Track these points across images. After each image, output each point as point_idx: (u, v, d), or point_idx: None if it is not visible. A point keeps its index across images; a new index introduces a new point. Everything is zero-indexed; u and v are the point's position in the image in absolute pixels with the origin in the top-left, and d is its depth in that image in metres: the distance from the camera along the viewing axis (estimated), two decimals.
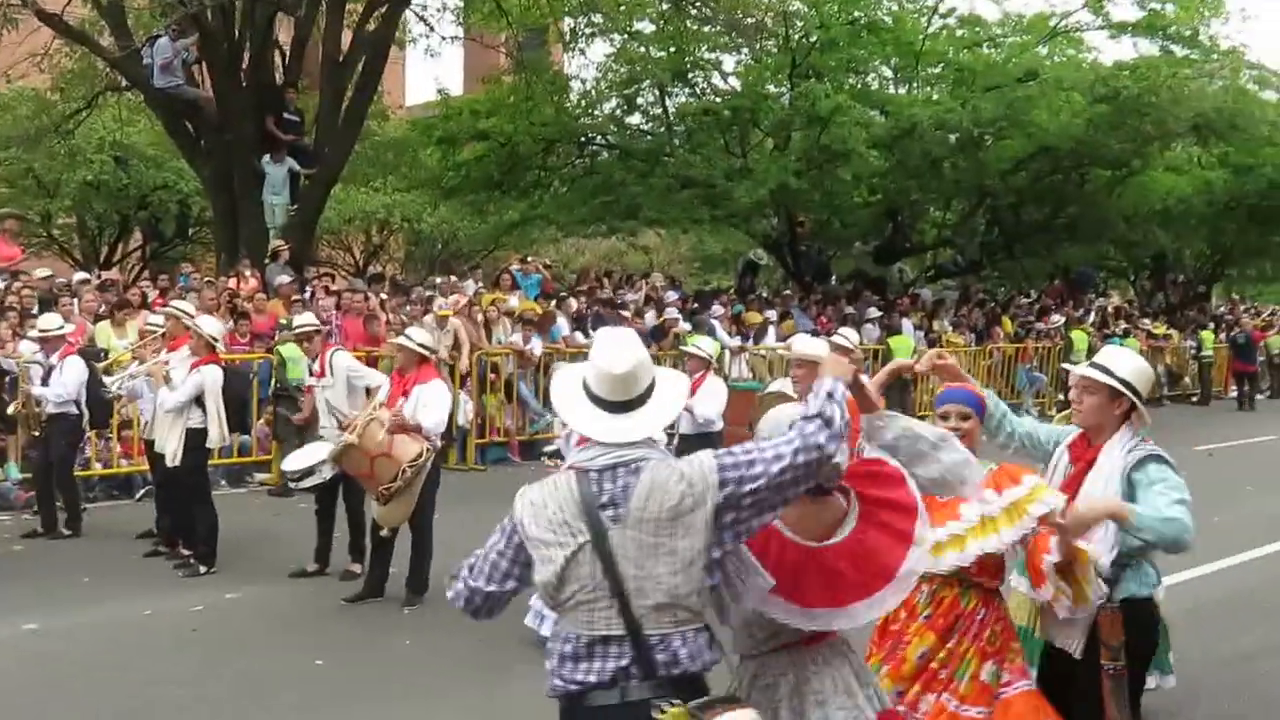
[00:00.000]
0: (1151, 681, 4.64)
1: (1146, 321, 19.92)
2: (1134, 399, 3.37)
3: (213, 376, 7.01)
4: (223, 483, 9.79)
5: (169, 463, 7.01)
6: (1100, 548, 3.27)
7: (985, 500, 3.12)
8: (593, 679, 2.34)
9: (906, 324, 15.91)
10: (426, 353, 6.48)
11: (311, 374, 7.31)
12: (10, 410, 7.94)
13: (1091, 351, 16.60)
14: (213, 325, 7.46)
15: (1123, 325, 19.07)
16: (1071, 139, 16.58)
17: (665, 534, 2.31)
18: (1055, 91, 16.26)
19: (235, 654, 5.63)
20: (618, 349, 2.46)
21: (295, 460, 6.75)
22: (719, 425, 7.52)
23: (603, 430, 2.42)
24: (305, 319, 7.70)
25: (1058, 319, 18.03)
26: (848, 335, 7.59)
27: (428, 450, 6.12)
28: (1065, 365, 4.42)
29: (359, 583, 6.68)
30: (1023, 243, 20.56)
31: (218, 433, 7.10)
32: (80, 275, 12.63)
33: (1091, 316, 19.59)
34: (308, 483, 6.60)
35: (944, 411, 3.47)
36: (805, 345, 5.37)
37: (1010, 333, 17.44)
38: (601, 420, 2.42)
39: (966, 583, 3.35)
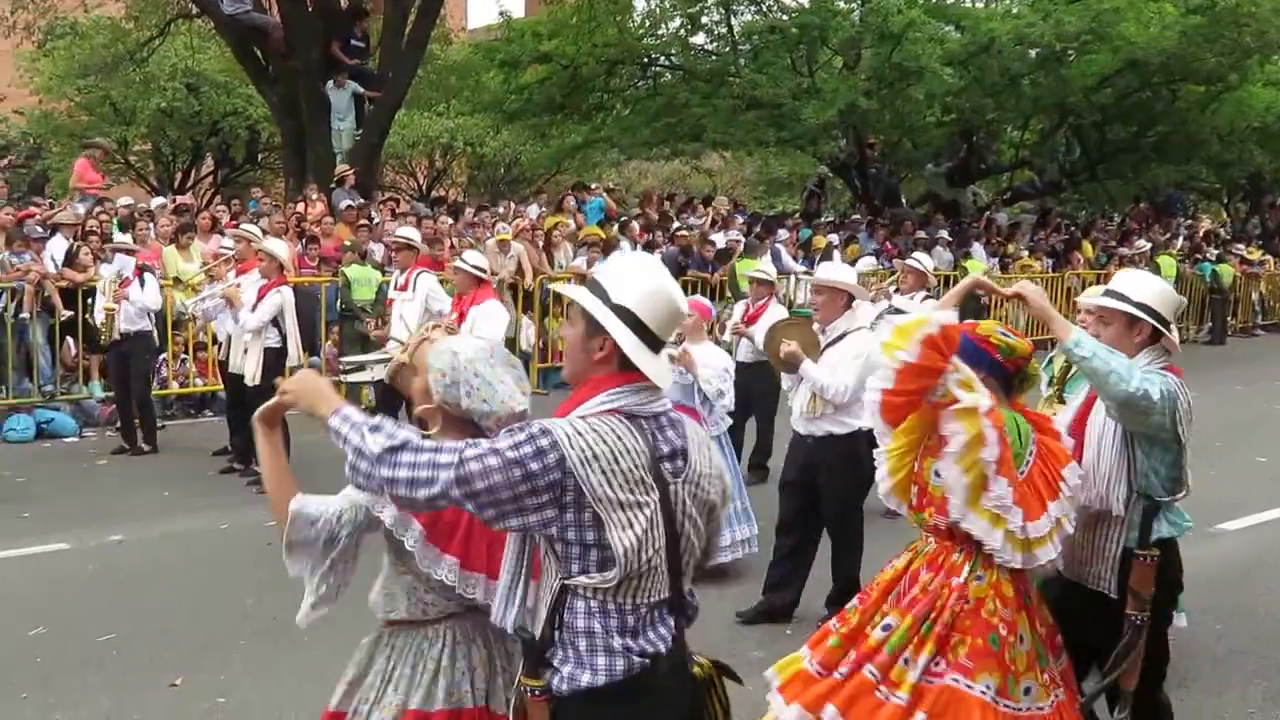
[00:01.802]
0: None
1: (1240, 246, 19.00)
2: (1155, 324, 3.16)
3: (288, 296, 7.28)
4: None
5: (249, 382, 7.24)
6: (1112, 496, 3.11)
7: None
8: (663, 647, 2.11)
9: (977, 247, 15.44)
10: (482, 274, 6.64)
11: (397, 287, 7.57)
12: (104, 303, 8.17)
13: (1180, 279, 15.93)
14: (280, 247, 7.66)
15: (1214, 251, 18.23)
16: (1162, 53, 15.63)
17: (709, 491, 2.19)
18: (1145, 2, 15.35)
19: None
20: (672, 282, 2.16)
21: (352, 355, 7.17)
22: None
23: (655, 372, 2.10)
24: (407, 231, 8.23)
25: (1143, 244, 17.28)
26: (921, 259, 7.41)
27: None
28: (1078, 299, 4.09)
29: None
30: (1107, 164, 19.66)
31: (296, 350, 7.39)
32: (157, 200, 12.98)
33: (1179, 241, 18.74)
34: (357, 376, 6.88)
35: None
36: (825, 272, 5.09)
37: (1091, 258, 16.81)
38: (650, 360, 2.09)
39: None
